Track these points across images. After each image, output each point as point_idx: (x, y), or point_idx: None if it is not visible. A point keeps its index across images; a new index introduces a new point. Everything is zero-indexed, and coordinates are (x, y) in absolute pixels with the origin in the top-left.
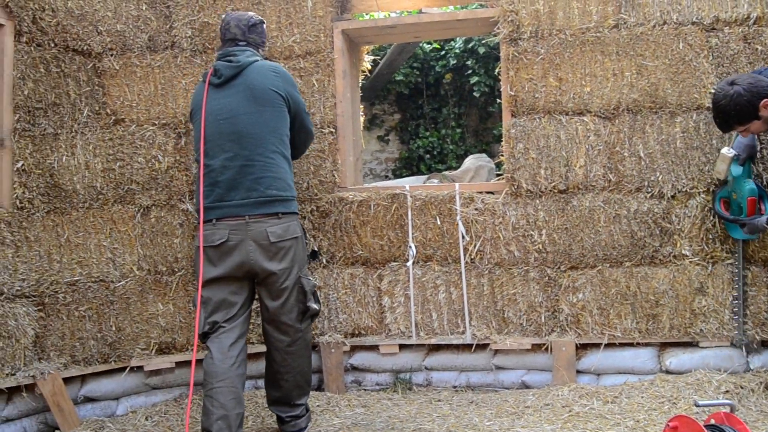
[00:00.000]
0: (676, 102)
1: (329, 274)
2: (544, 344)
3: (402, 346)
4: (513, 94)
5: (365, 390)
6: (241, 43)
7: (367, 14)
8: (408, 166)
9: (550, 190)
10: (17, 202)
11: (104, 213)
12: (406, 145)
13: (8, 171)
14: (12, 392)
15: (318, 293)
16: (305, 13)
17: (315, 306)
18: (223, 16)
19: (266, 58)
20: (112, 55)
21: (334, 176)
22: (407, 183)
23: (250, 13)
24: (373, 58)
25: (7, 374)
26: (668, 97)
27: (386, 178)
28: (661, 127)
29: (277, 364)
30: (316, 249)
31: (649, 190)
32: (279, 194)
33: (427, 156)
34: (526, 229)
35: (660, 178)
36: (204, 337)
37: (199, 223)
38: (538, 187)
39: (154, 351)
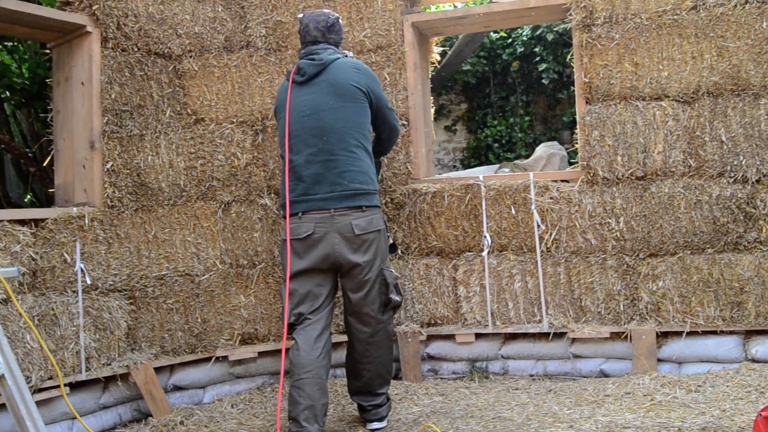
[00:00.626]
0: (760, 83)
1: (405, 264)
2: (623, 333)
3: (478, 335)
4: (587, 80)
5: (442, 379)
6: (320, 43)
7: (434, 6)
8: (476, 155)
9: (627, 177)
10: (108, 201)
11: (188, 209)
12: (474, 135)
13: (99, 171)
14: (108, 381)
15: (399, 285)
16: (375, 8)
17: (397, 298)
18: (300, 17)
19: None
20: (191, 57)
21: (407, 168)
22: (480, 173)
23: (326, 12)
24: (442, 49)
25: (103, 364)
26: (751, 79)
27: (454, 168)
28: (744, 109)
29: (358, 354)
30: (393, 242)
31: (732, 174)
32: (362, 188)
33: (496, 145)
34: (603, 217)
35: (743, 162)
36: (290, 328)
37: (282, 217)
38: (615, 174)
39: (237, 341)
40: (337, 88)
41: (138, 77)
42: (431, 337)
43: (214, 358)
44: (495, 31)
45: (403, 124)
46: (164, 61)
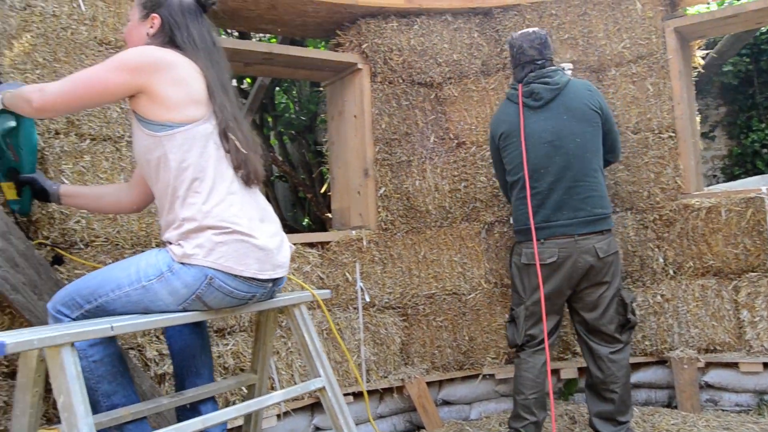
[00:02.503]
0: None
1: (677, 285)
2: None
3: (766, 365)
4: None
5: (723, 410)
6: (539, 62)
7: (693, 8)
8: (740, 163)
9: None
10: (381, 224)
11: (453, 230)
12: (736, 141)
13: (373, 197)
14: (384, 393)
15: (635, 305)
16: (634, 17)
17: (634, 318)
18: (510, 39)
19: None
20: (450, 83)
21: (676, 182)
22: (757, 184)
23: (535, 30)
24: (705, 52)
25: (381, 376)
26: None
27: (713, 178)
28: None
29: (603, 374)
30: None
31: None
32: (603, 212)
33: (765, 150)
34: None
35: None
36: (519, 348)
37: (518, 243)
38: None
39: (503, 360)
40: (575, 111)
41: (404, 107)
42: (710, 365)
43: (481, 376)
44: None
45: (670, 136)
46: (426, 90)
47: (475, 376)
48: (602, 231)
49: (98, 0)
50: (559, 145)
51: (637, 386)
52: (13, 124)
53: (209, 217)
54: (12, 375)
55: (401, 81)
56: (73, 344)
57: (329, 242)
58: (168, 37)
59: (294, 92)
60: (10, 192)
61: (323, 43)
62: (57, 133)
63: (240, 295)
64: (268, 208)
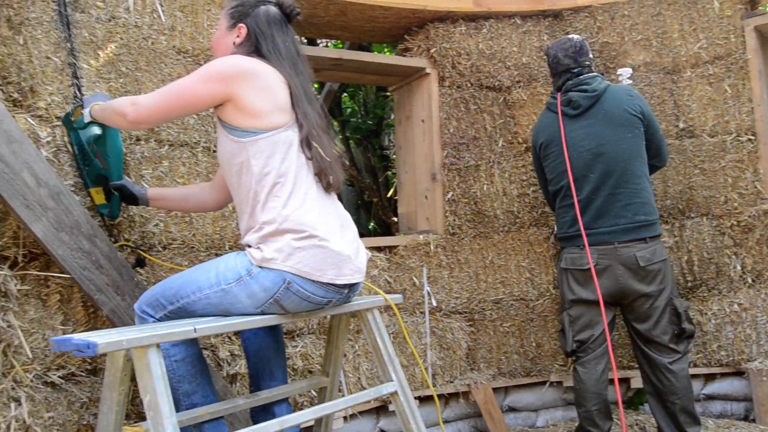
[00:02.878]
0: None
1: (756, 294)
2: None
3: None
4: None
5: None
6: (574, 69)
7: None
8: None
9: None
10: (449, 228)
11: (521, 236)
12: None
13: (441, 201)
14: (449, 398)
15: (689, 314)
16: (711, 16)
17: (690, 326)
18: (545, 48)
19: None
20: (519, 87)
21: (755, 187)
22: None
23: (569, 37)
24: None
25: (447, 381)
26: None
27: None
28: None
29: (662, 384)
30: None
31: None
32: (646, 219)
33: None
34: None
35: None
36: (572, 354)
37: (561, 248)
38: None
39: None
40: (614, 118)
41: (472, 111)
42: None
43: (548, 383)
44: None
45: (749, 139)
46: (495, 94)
47: (543, 383)
48: (645, 239)
49: (177, 11)
50: (600, 152)
51: (712, 398)
52: (99, 132)
53: (288, 221)
54: (95, 372)
55: (469, 85)
56: (158, 345)
57: (397, 246)
58: (253, 47)
59: (360, 97)
60: (98, 197)
61: (387, 48)
62: (138, 140)
63: (317, 300)
64: (346, 215)
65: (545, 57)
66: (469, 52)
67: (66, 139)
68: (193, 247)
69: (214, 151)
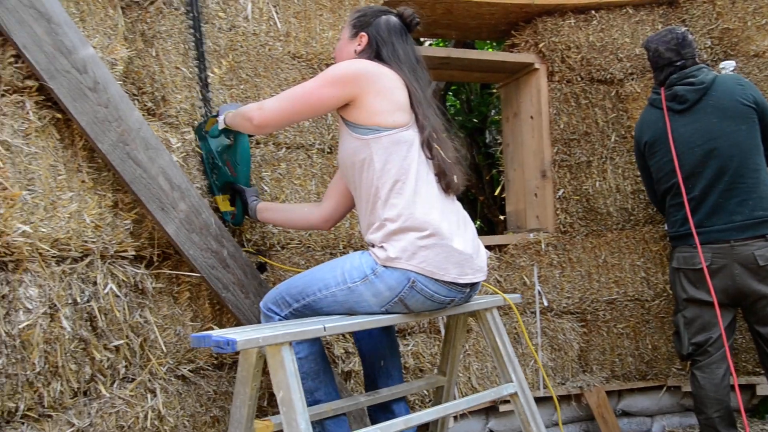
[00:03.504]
0: None
1: None
2: None
3: None
4: None
5: None
6: (677, 63)
7: None
8: None
9: None
10: (560, 226)
11: (636, 234)
12: None
13: (551, 199)
14: (561, 400)
15: None
16: None
17: None
18: (645, 42)
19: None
20: (632, 80)
21: None
22: None
23: (670, 29)
24: None
25: (558, 383)
26: None
27: None
28: None
29: None
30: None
31: None
32: (765, 215)
33: None
34: None
35: None
36: (688, 358)
37: (674, 248)
38: None
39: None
40: (725, 110)
41: (583, 106)
42: None
43: (665, 388)
44: None
45: None
46: (607, 87)
47: (659, 388)
48: (765, 236)
49: (291, 17)
50: (711, 147)
51: None
52: (229, 141)
53: (411, 219)
54: (220, 367)
55: (580, 79)
56: (291, 343)
57: (506, 245)
58: (374, 53)
59: (464, 95)
60: (224, 204)
61: (489, 44)
62: (257, 143)
63: (440, 299)
64: (466, 215)
65: (645, 51)
66: (579, 45)
67: (196, 147)
68: (309, 247)
69: (329, 153)
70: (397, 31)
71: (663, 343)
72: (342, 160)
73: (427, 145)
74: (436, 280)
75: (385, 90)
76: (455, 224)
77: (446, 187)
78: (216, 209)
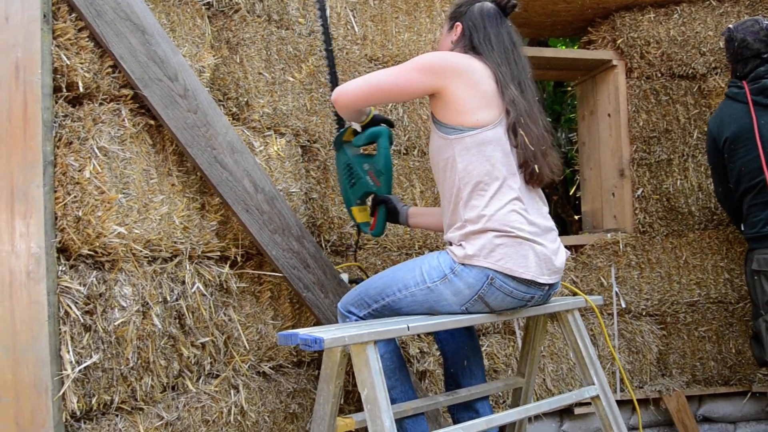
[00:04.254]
0: None
1: None
2: None
3: None
4: None
5: None
6: (765, 55)
7: None
8: None
9: None
10: (639, 226)
11: (719, 233)
12: None
13: (629, 198)
14: (638, 404)
15: None
16: None
17: None
18: (727, 32)
19: None
20: (716, 74)
21: None
22: None
23: (756, 19)
24: None
25: (635, 386)
26: None
27: None
28: None
29: None
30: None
31: None
32: None
33: None
34: None
35: None
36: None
37: (750, 250)
38: None
39: None
40: None
41: (663, 102)
42: None
43: (749, 394)
44: None
45: None
46: (688, 83)
47: (742, 393)
48: None
49: (368, 20)
50: None
51: None
52: (369, 150)
53: (491, 221)
54: (299, 364)
55: (660, 75)
56: (375, 342)
57: (583, 245)
58: (468, 41)
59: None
60: (362, 215)
61: (562, 41)
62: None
63: (520, 296)
64: (546, 211)
65: (727, 40)
66: (659, 39)
67: (278, 151)
68: (385, 248)
69: (404, 154)
70: (491, 16)
71: (748, 347)
72: (430, 157)
73: (512, 130)
74: (515, 277)
75: (472, 84)
76: (536, 223)
77: (529, 178)
78: (338, 219)
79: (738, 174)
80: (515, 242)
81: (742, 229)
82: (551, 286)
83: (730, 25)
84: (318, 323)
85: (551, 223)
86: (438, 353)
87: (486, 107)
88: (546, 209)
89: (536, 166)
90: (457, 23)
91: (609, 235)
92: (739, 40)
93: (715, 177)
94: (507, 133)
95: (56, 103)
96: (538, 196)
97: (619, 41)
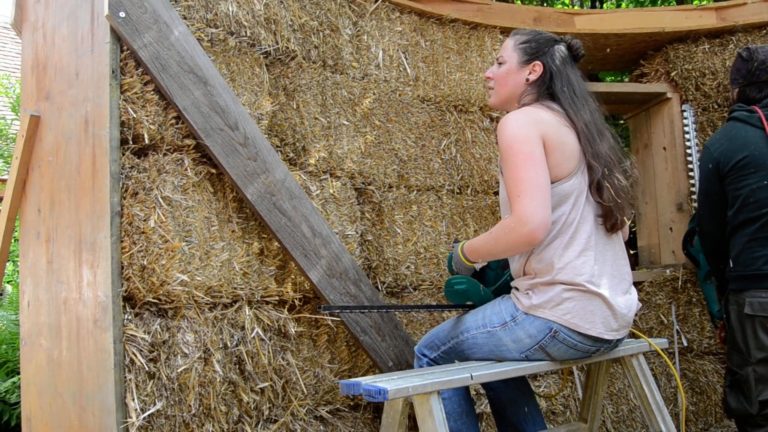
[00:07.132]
0: None
1: None
2: None
3: None
4: None
5: None
6: None
7: None
8: None
9: None
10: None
11: None
12: None
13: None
14: None
15: None
16: None
17: None
18: (745, 52)
19: None
20: None
21: None
22: None
23: None
24: None
25: (700, 429)
26: None
27: None
28: None
29: None
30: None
31: None
32: None
33: None
34: None
35: None
36: (748, 420)
37: (736, 290)
38: None
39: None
40: None
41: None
42: None
43: None
44: None
45: None
46: None
47: None
48: None
49: (420, 62)
50: None
51: None
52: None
53: (561, 273)
54: (356, 408)
55: (717, 106)
56: (439, 392)
57: (642, 282)
58: (546, 85)
59: None
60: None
61: (612, 74)
62: (390, 187)
63: (584, 349)
64: (625, 260)
65: (744, 59)
66: (714, 71)
67: (334, 194)
68: (440, 288)
69: (458, 194)
70: (568, 61)
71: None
72: (501, 203)
73: (596, 186)
74: (580, 333)
75: (554, 147)
76: (611, 275)
77: (611, 228)
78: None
79: (741, 202)
80: (584, 296)
81: (731, 266)
82: (619, 339)
83: (750, 46)
84: (374, 366)
85: (626, 271)
86: None
87: (565, 162)
88: (624, 255)
89: (617, 217)
90: (537, 62)
91: (668, 271)
92: (759, 62)
93: (708, 205)
94: (590, 186)
95: (123, 155)
96: (618, 243)
97: (673, 73)
